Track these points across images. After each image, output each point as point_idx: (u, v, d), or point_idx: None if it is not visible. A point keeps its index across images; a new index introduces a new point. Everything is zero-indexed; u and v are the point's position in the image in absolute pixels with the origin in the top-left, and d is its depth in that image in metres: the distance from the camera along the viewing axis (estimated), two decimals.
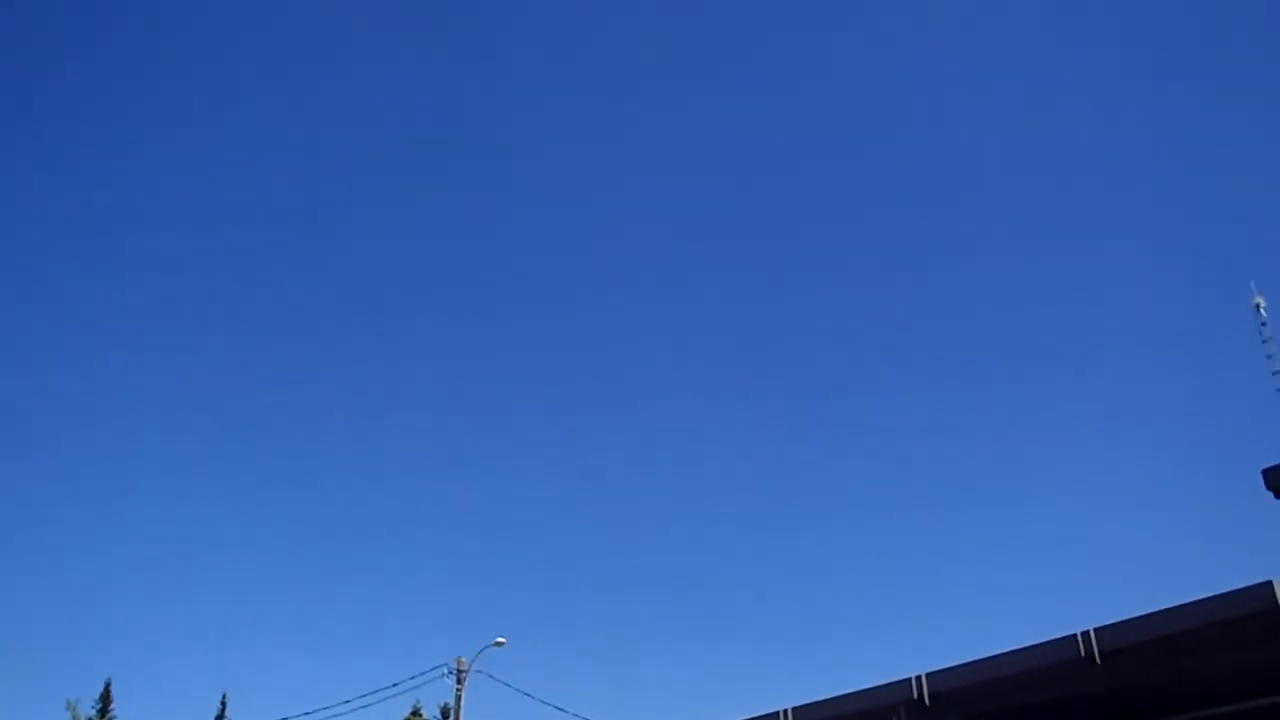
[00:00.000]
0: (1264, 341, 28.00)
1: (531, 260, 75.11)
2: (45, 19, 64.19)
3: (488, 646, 34.85)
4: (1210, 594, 10.22)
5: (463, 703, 33.82)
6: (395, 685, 33.84)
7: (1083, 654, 10.73)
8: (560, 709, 36.27)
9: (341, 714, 33.28)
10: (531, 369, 74.67)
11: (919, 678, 12.16)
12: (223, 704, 44.66)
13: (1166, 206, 66.76)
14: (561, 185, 73.72)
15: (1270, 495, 12.21)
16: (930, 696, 11.88)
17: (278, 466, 70.76)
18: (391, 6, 69.51)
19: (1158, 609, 10.63)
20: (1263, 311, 27.90)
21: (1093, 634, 10.77)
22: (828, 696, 12.81)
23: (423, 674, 34.19)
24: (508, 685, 35.06)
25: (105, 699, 44.63)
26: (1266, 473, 11.97)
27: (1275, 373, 27.93)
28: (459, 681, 34.02)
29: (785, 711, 13.02)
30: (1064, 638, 10.93)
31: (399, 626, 63.68)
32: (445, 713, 40.16)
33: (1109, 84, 67.34)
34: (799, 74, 71.46)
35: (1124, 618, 10.82)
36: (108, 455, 68.69)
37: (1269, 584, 10.02)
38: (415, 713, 40.02)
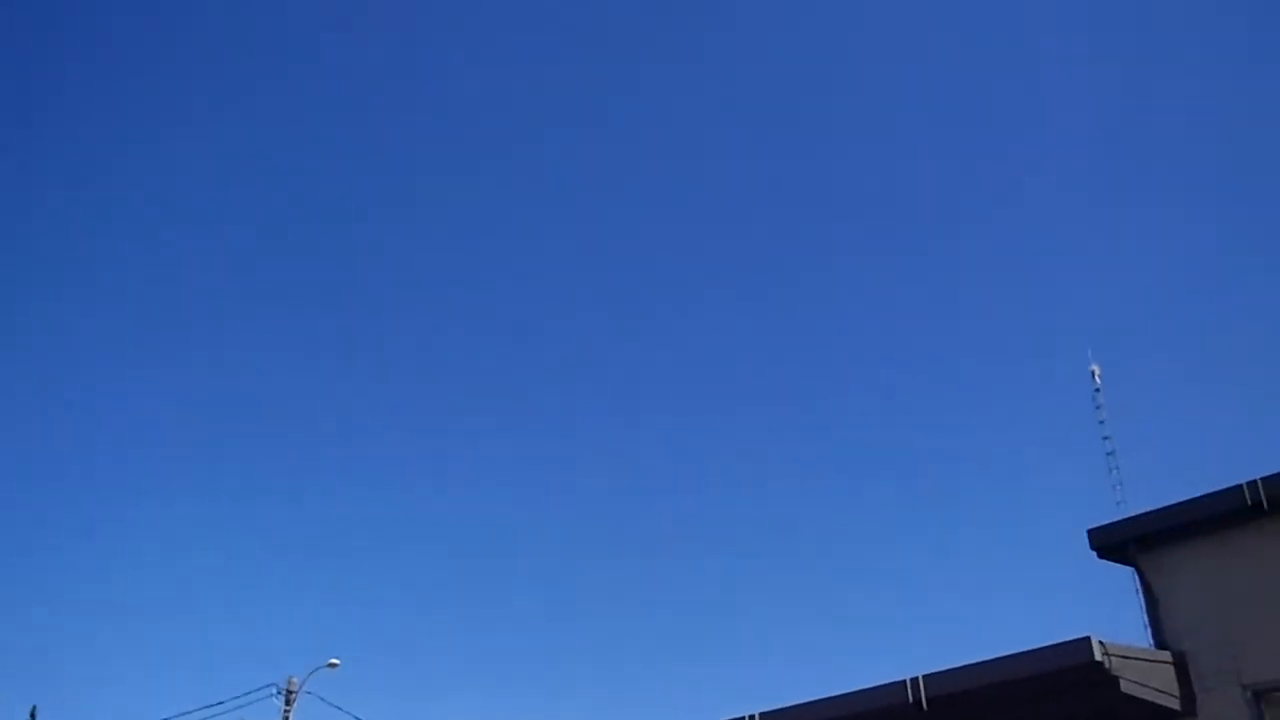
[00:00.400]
0: (1097, 408, 29.52)
1: (534, 260, 74.38)
2: (43, 17, 61.74)
3: (320, 667, 33.84)
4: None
5: None
6: (221, 703, 32.49)
7: (910, 700, 10.99)
8: None
9: None
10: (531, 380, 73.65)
11: (752, 716, 12.27)
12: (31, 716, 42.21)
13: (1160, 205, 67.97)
14: (561, 190, 73.42)
15: (1095, 554, 12.80)
16: None
17: (265, 479, 68.43)
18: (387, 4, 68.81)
19: (984, 659, 11.00)
20: (1097, 379, 29.44)
21: (921, 680, 11.06)
22: None
23: (249, 693, 32.96)
24: (339, 709, 34.07)
25: None
26: (1092, 533, 12.54)
27: (1105, 438, 29.46)
28: (287, 702, 32.89)
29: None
30: (894, 683, 11.18)
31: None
32: None
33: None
34: (804, 72, 71.82)
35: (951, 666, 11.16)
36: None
37: (1087, 639, 10.46)
38: None
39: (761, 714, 12.21)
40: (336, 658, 33.92)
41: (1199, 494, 11.80)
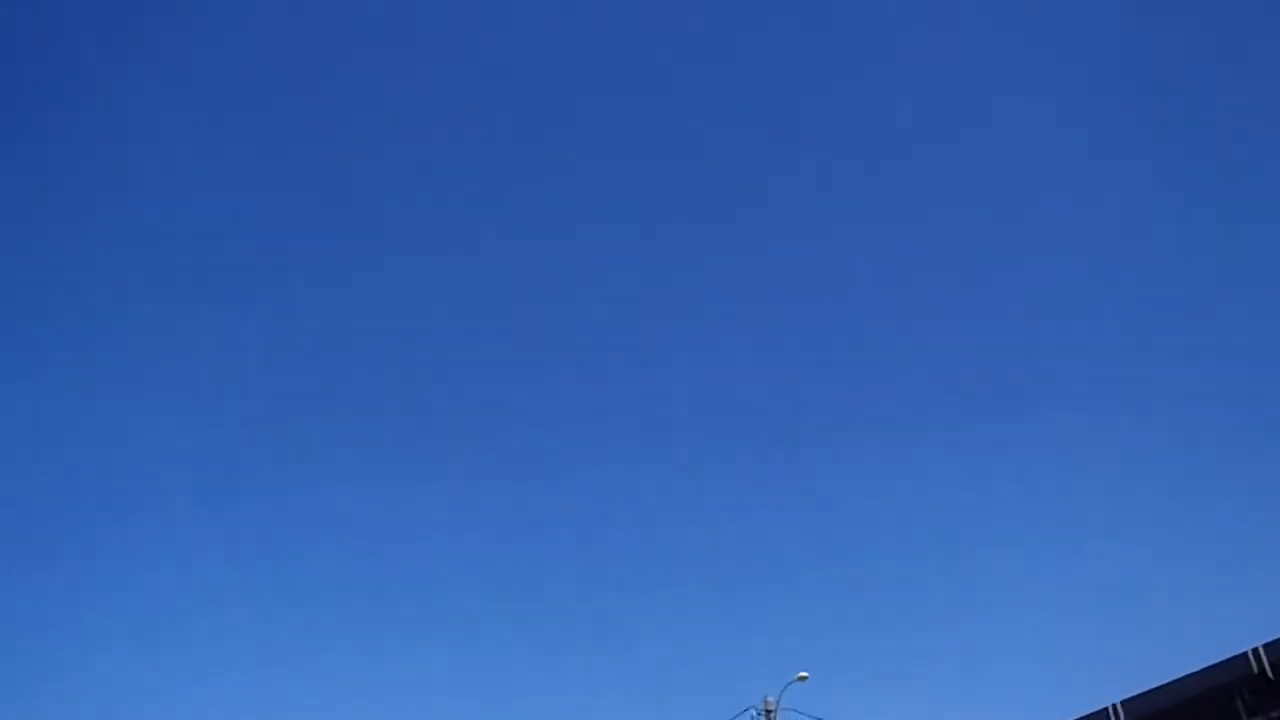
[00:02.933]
0: None
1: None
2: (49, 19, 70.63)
3: (791, 682, 35.69)
4: None
5: None
6: None
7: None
8: None
9: None
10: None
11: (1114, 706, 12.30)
12: None
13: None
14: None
15: None
16: None
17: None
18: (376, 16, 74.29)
19: None
20: None
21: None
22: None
23: (733, 718, 35.41)
24: (816, 717, 35.76)
25: None
26: None
27: None
28: None
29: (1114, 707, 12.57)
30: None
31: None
32: None
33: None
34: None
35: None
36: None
37: None
38: None
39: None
40: (804, 671, 35.65)
41: None
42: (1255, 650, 10.58)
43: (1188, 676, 11.35)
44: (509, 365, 78.09)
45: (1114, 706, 12.30)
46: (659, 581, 71.17)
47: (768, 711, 35.24)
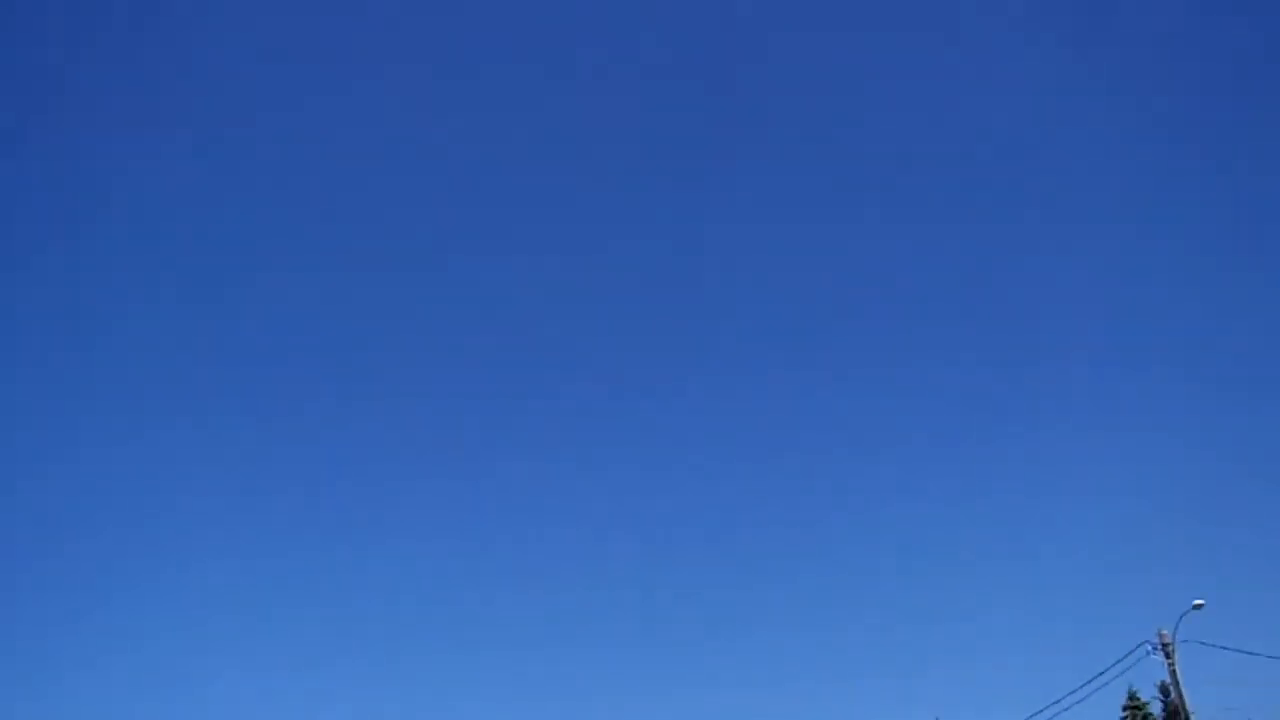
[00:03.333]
0: None
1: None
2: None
3: (1187, 612, 32.82)
4: None
5: (1180, 677, 32.00)
6: (1102, 674, 32.97)
7: None
8: None
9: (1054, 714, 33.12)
10: None
11: None
12: None
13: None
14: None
15: None
16: None
17: None
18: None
19: None
20: None
21: None
22: None
23: (1127, 656, 32.98)
24: (1223, 648, 32.68)
25: None
26: None
27: None
28: (1168, 656, 32.25)
29: None
30: None
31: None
32: (1165, 691, 37.91)
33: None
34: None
35: None
36: None
37: None
38: (1133, 697, 38.23)
39: None
40: (1199, 599, 32.71)
41: None
42: None
43: None
44: (526, 367, 77.79)
45: None
46: None
47: (1164, 645, 32.37)
